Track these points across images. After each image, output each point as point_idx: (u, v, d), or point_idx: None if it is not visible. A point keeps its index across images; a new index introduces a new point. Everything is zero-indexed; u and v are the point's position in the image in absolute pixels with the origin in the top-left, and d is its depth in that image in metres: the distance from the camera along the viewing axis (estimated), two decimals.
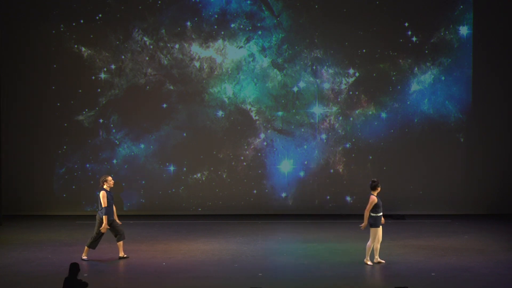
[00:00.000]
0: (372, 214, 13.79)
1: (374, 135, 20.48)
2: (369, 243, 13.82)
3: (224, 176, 20.62)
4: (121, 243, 14.35)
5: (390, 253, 14.70)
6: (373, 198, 13.83)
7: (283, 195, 20.61)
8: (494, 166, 20.57)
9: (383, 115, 20.43)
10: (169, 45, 20.38)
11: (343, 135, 20.50)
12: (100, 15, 20.22)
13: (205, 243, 16.03)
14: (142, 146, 20.48)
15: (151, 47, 20.37)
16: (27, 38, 20.26)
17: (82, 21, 20.24)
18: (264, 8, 20.31)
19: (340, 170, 20.59)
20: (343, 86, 20.42)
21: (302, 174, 20.57)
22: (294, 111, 20.47)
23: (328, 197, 20.57)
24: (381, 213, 13.93)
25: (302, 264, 13.82)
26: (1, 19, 19.75)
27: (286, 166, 20.54)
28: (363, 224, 13.82)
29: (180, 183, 20.60)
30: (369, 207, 13.74)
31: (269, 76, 20.44)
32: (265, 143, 20.54)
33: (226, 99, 20.45)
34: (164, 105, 20.44)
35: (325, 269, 13.43)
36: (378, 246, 13.86)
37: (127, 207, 20.45)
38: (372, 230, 13.81)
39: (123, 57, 20.36)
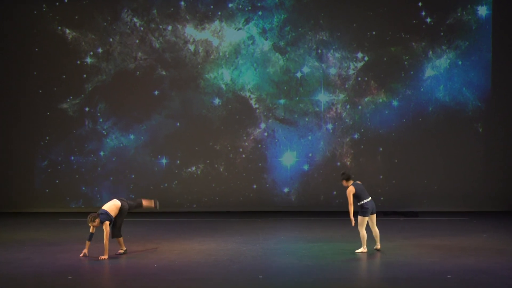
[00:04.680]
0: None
1: (384, 125, 20.47)
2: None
3: (221, 169, 20.60)
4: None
5: (402, 254, 14.68)
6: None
7: (286, 190, 20.60)
8: None
9: (395, 103, 20.41)
10: (161, 26, 20.33)
11: (351, 125, 20.47)
12: None
13: (201, 242, 16.00)
14: (132, 137, 20.46)
15: (142, 29, 20.32)
16: (6, 19, 20.21)
17: (66, 0, 20.16)
18: None
19: (348, 163, 20.58)
20: (351, 72, 20.40)
21: (306, 167, 20.55)
22: (297, 98, 20.45)
23: (335, 193, 20.55)
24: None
25: (306, 265, 13.80)
26: None
27: (288, 159, 20.52)
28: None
29: (173, 177, 20.58)
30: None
31: (270, 61, 20.40)
32: (265, 134, 20.51)
33: (223, 86, 20.42)
34: (156, 92, 20.42)
35: (331, 271, 13.40)
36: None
37: None
38: None
39: (111, 39, 20.31)
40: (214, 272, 13.24)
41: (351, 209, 14.42)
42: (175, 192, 20.56)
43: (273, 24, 20.37)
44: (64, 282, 12.46)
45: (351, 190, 14.49)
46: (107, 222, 14.26)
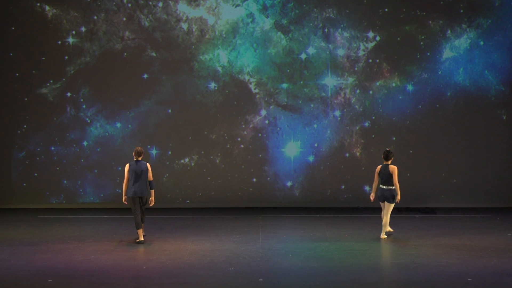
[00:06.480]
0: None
1: (398, 112, 20.43)
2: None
3: (218, 161, 20.57)
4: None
5: (418, 254, 14.66)
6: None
7: (289, 184, 20.58)
8: None
9: (409, 87, 20.36)
10: (150, 3, 20.27)
11: (361, 112, 20.43)
12: None
13: (195, 242, 15.99)
14: (118, 125, 20.42)
15: (129, 5, 20.27)
16: None
17: None
18: None
19: (358, 154, 20.55)
20: (360, 53, 20.35)
21: (311, 159, 20.52)
22: (301, 82, 20.40)
23: (343, 187, 20.54)
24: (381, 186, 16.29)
25: (311, 267, 13.78)
26: None
27: (292, 149, 20.49)
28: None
29: (164, 170, 20.54)
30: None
31: (271, 41, 20.36)
32: (266, 122, 20.48)
33: (219, 68, 20.37)
34: (145, 76, 20.37)
35: (338, 273, 13.37)
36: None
37: (100, 198, 20.40)
38: None
39: (95, 17, 20.25)
40: (209, 275, 13.23)
41: (373, 186, 16.20)
42: (167, 186, 20.53)
43: (274, 0, 20.30)
44: (43, 285, 12.44)
45: (377, 170, 16.21)
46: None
